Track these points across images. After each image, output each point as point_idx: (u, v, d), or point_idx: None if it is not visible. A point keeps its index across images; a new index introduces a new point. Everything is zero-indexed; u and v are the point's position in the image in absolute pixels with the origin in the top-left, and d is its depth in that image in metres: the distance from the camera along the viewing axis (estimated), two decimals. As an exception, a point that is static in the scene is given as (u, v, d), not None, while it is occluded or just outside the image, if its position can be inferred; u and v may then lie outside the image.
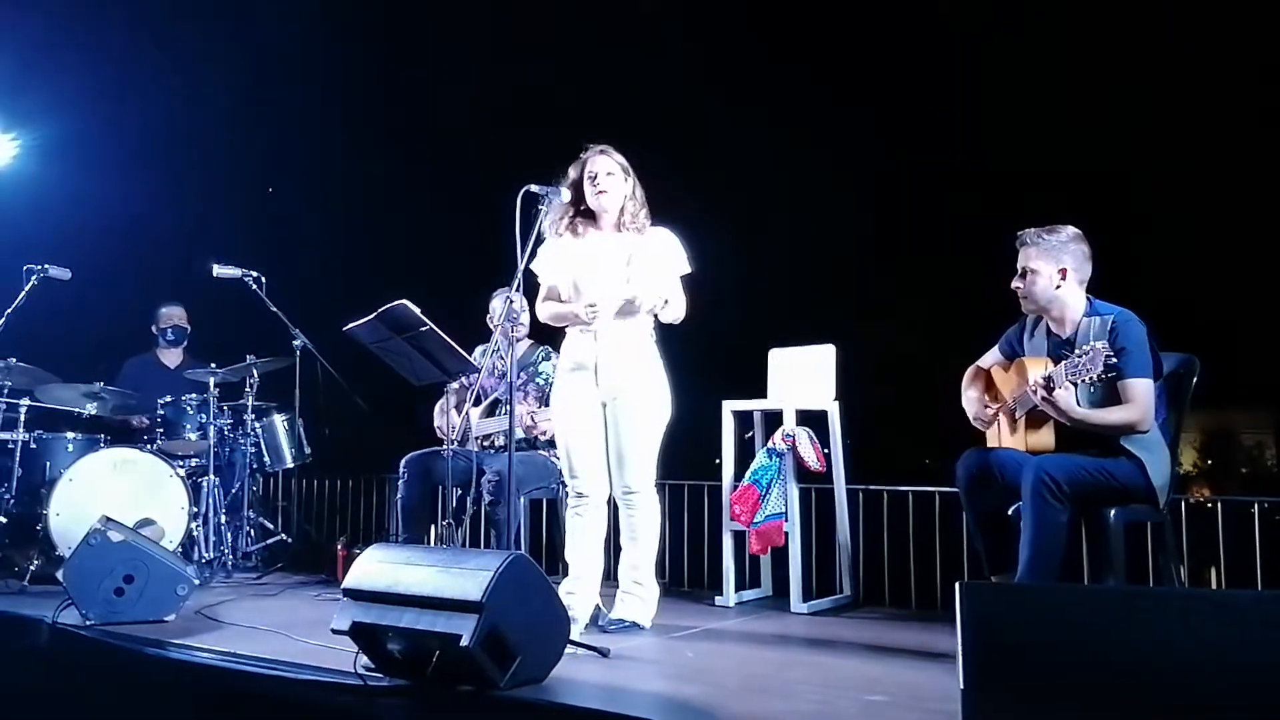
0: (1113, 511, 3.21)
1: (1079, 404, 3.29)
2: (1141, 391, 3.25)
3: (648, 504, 3.68)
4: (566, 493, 3.83)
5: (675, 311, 3.65)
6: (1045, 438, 3.41)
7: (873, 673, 3.05)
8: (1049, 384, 3.27)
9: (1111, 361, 3.10)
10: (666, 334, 3.77)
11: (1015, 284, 3.49)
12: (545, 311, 3.75)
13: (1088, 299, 3.43)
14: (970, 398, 3.73)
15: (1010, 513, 3.36)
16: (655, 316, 3.66)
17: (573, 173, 3.69)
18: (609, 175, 3.65)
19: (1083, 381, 3.16)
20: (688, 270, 3.72)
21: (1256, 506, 4.41)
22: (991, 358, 3.74)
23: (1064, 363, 3.22)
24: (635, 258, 3.63)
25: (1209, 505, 4.67)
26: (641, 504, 3.66)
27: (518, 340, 4.50)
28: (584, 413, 3.67)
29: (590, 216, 3.70)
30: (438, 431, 4.96)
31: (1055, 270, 3.40)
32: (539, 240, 3.59)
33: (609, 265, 3.63)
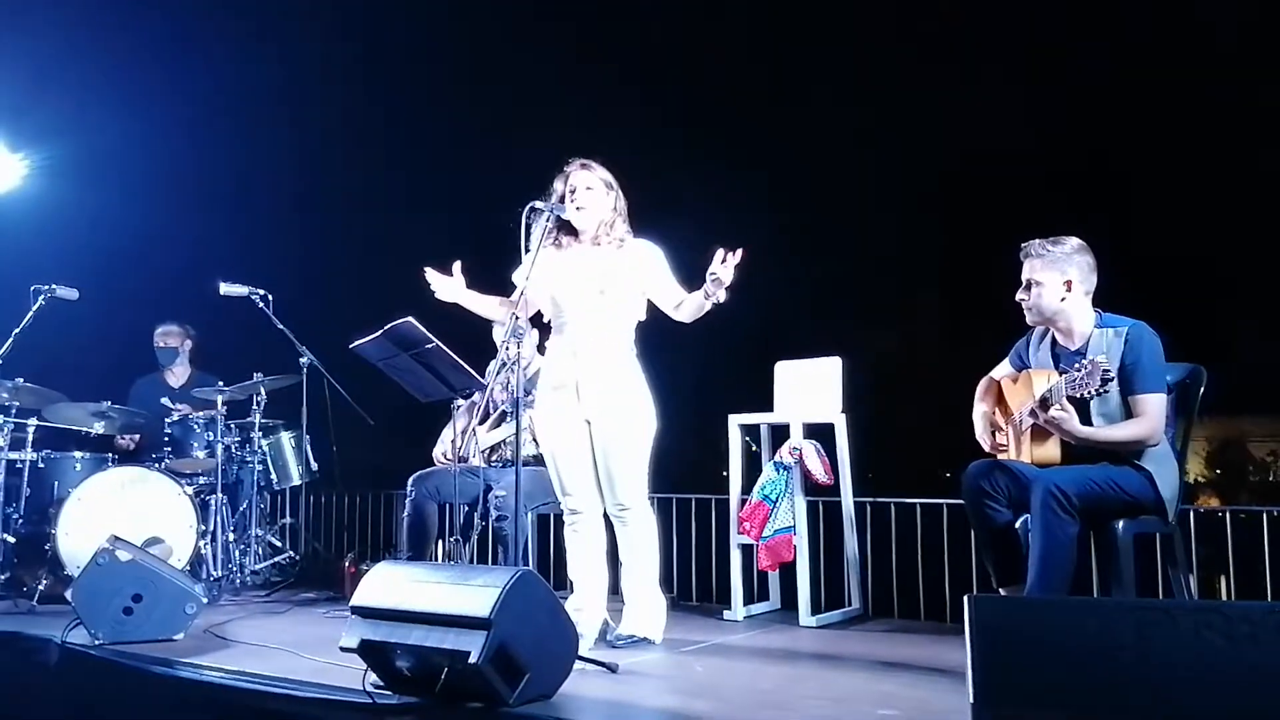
0: (1121, 524, 3.20)
1: (1094, 416, 3.27)
2: (1153, 406, 3.24)
3: (642, 519, 3.67)
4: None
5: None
6: (1050, 450, 3.39)
7: (882, 687, 3.04)
8: (1045, 404, 3.26)
9: (1109, 376, 3.09)
10: (671, 348, 3.76)
11: (1020, 296, 3.47)
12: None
13: (1097, 311, 3.42)
14: (980, 415, 3.67)
15: (1018, 525, 3.35)
16: (634, 330, 3.68)
17: (558, 186, 3.69)
18: (588, 190, 3.64)
19: (1082, 396, 3.15)
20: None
21: (1265, 516, 4.40)
22: (1003, 369, 3.71)
23: (1062, 377, 3.21)
24: (612, 272, 3.63)
25: (1219, 515, 4.66)
26: (635, 519, 3.65)
27: (524, 356, 4.49)
28: (569, 430, 3.66)
29: (573, 230, 3.71)
30: (438, 460, 4.94)
31: (1060, 282, 3.38)
32: (527, 252, 3.59)
33: (585, 279, 3.63)
